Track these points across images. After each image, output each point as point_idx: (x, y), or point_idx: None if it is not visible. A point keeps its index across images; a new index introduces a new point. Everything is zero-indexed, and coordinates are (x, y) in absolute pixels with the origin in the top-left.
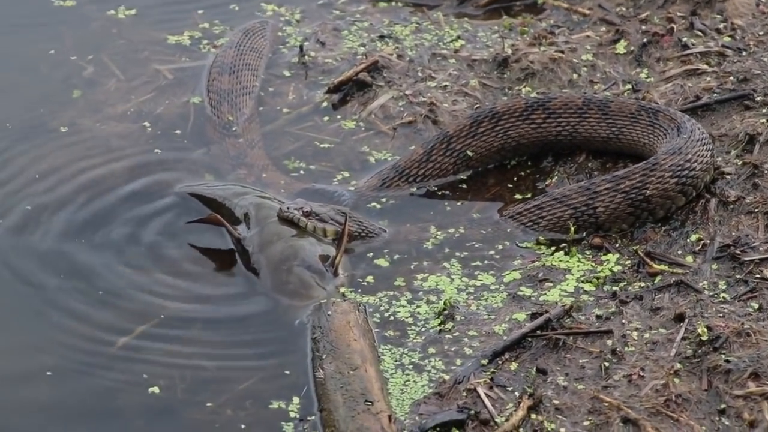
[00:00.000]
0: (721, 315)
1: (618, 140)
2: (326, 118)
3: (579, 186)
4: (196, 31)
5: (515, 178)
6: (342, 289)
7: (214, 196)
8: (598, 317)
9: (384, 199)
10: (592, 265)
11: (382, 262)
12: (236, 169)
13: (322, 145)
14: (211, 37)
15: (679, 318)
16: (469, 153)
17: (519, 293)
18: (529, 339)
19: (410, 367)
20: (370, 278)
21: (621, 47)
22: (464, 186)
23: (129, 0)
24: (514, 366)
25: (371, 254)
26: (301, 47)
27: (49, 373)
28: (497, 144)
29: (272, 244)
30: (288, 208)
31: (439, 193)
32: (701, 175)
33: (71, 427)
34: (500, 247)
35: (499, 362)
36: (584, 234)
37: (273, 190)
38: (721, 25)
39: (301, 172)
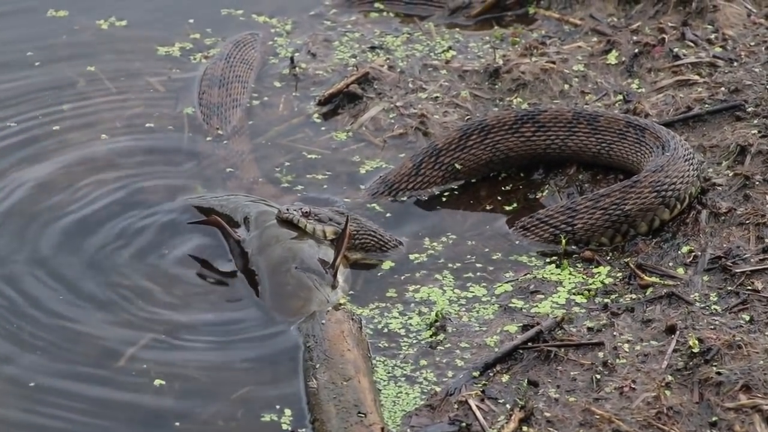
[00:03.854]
0: (712, 327)
1: (608, 155)
2: (317, 130)
3: (561, 206)
4: (188, 42)
5: (506, 191)
6: (342, 300)
7: (211, 205)
8: (590, 329)
9: (376, 213)
10: (583, 278)
11: (375, 273)
12: (226, 182)
13: (312, 157)
14: (202, 48)
15: (671, 330)
16: (457, 166)
17: (510, 305)
18: (521, 351)
19: (402, 378)
20: (362, 289)
21: (612, 58)
22: (456, 198)
23: (120, 11)
24: (505, 378)
25: (363, 265)
26: (291, 59)
27: (32, 384)
28: (486, 157)
29: (271, 247)
30: (287, 209)
31: (431, 204)
32: (684, 188)
33: None
34: (492, 259)
35: (491, 374)
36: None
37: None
38: (713, 36)
39: (292, 184)
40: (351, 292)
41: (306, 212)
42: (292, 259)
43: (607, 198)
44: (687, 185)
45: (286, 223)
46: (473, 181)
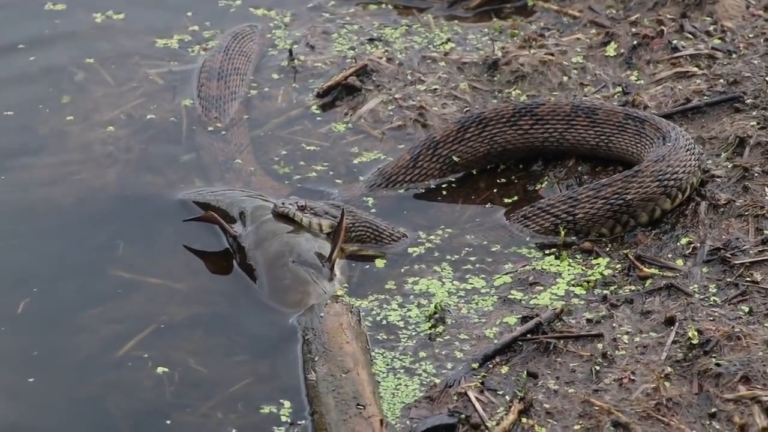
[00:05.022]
0: (711, 318)
1: (607, 148)
2: (316, 122)
3: (562, 195)
4: (186, 34)
5: (505, 182)
6: (339, 292)
7: (207, 200)
8: (589, 321)
9: (373, 203)
10: (582, 269)
11: (373, 265)
12: (224, 174)
13: (311, 149)
14: (200, 40)
15: (670, 321)
16: (454, 158)
17: (510, 297)
18: (520, 343)
19: (401, 370)
20: (361, 281)
21: (611, 50)
22: (455, 189)
23: (118, 4)
24: (504, 370)
25: (362, 257)
26: (290, 51)
27: (31, 380)
28: (483, 149)
29: (268, 241)
30: (283, 203)
31: (429, 196)
32: (686, 177)
33: (59, 430)
34: (491, 250)
35: (490, 366)
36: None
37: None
38: (711, 28)
39: (290, 176)
40: (346, 285)
41: (302, 206)
42: (289, 253)
43: (609, 187)
44: (688, 175)
45: (283, 217)
46: (473, 172)
